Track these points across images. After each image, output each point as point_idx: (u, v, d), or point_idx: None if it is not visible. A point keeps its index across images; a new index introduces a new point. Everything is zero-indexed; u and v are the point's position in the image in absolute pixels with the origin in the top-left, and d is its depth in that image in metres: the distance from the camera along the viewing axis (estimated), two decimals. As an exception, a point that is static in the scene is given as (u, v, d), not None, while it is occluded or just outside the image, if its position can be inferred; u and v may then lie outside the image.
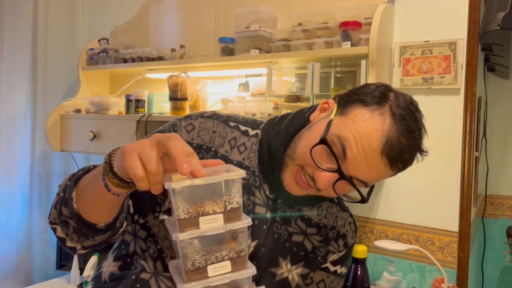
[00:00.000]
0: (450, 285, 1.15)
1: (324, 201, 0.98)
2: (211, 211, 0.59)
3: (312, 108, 0.91)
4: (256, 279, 0.89)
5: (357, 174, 0.79)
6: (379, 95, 0.81)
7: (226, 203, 0.60)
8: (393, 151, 0.77)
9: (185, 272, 0.59)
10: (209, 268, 0.59)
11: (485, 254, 2.09)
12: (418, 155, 0.83)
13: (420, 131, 0.82)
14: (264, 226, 0.89)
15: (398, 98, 0.82)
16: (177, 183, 0.57)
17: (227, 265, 0.60)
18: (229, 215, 0.60)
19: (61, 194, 0.79)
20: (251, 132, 0.93)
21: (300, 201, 0.93)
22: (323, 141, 0.79)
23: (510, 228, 1.90)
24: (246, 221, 0.61)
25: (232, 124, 0.93)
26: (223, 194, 0.60)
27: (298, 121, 0.89)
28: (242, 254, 0.62)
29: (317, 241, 0.97)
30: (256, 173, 0.89)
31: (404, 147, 0.78)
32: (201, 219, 0.58)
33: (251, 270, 0.62)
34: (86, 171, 0.80)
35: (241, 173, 0.60)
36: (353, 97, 0.83)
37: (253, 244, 0.88)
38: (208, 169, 0.61)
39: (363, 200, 0.83)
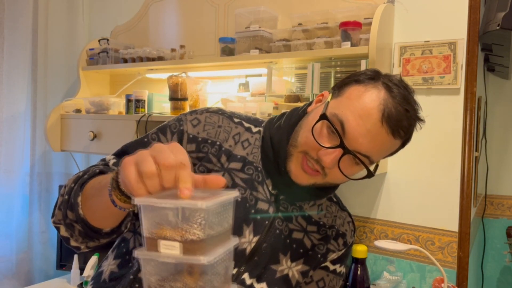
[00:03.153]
0: (450, 285, 1.15)
1: (326, 195, 0.98)
2: (169, 236, 0.55)
3: (309, 102, 0.93)
4: (257, 276, 0.89)
5: (359, 147, 0.80)
6: (371, 74, 0.84)
7: (185, 232, 0.54)
8: (393, 118, 0.79)
9: None
10: None
11: (485, 254, 2.09)
12: (417, 124, 0.86)
13: (414, 100, 0.85)
14: (266, 222, 0.90)
15: (389, 75, 0.85)
16: (140, 199, 0.55)
17: None
18: (188, 247, 0.54)
19: (66, 197, 0.79)
20: (254, 129, 0.94)
21: (302, 197, 0.94)
22: (323, 116, 0.81)
23: (510, 228, 1.90)
24: (198, 258, 0.53)
25: (236, 120, 0.94)
26: (180, 222, 0.54)
27: (297, 114, 0.91)
28: None
29: (317, 239, 0.97)
30: (259, 169, 0.90)
31: (402, 114, 0.80)
32: (160, 242, 0.55)
33: None
34: (91, 175, 0.80)
35: (205, 203, 0.53)
36: (346, 81, 0.86)
37: (255, 239, 0.88)
38: (198, 192, 0.57)
39: (370, 174, 0.84)
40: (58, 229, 0.81)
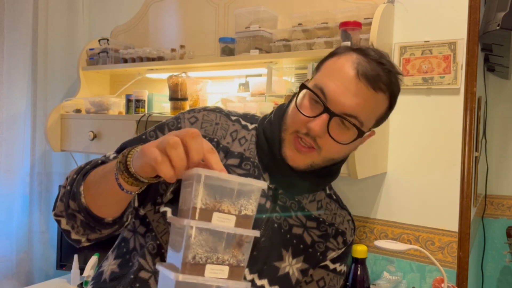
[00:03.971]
0: (450, 285, 1.15)
1: (325, 183, 0.98)
2: (226, 210, 0.59)
3: (293, 94, 0.95)
4: (258, 271, 0.89)
5: (343, 107, 0.81)
6: (344, 47, 0.88)
7: (242, 208, 0.60)
8: (368, 73, 0.81)
9: (183, 263, 0.57)
10: (207, 267, 0.58)
11: (485, 254, 2.09)
12: (397, 78, 0.86)
13: (389, 58, 0.86)
14: (264, 216, 0.90)
15: (361, 46, 0.89)
16: (205, 170, 0.57)
17: (225, 270, 0.59)
18: (241, 221, 0.60)
19: (68, 188, 0.80)
20: (250, 127, 0.96)
21: (301, 189, 0.94)
22: (302, 86, 0.84)
23: (510, 228, 1.90)
24: (254, 232, 0.61)
25: (233, 118, 0.96)
26: (242, 198, 0.60)
27: (284, 105, 0.94)
28: (241, 264, 0.61)
29: (316, 235, 0.97)
30: (256, 164, 0.91)
31: (377, 68, 0.82)
32: (215, 214, 0.58)
33: (244, 284, 0.61)
34: (94, 165, 0.81)
35: (264, 184, 0.61)
36: (321, 60, 0.90)
37: None
38: None
39: (360, 133, 0.83)
40: (59, 222, 0.81)
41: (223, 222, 0.58)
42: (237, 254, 0.60)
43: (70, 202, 0.77)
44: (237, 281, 0.60)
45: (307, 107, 0.83)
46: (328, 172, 0.92)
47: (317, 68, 0.89)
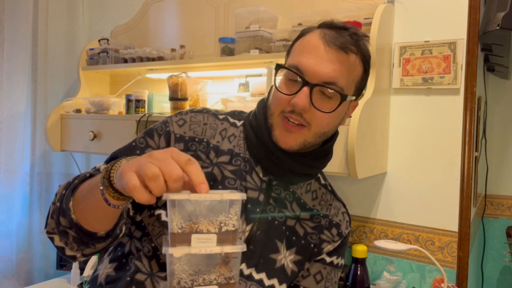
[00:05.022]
0: (450, 285, 1.15)
1: (321, 165, 0.98)
2: (205, 229, 0.57)
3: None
4: (255, 265, 0.89)
5: (321, 77, 0.83)
6: (308, 27, 0.91)
7: (222, 224, 0.57)
8: (335, 38, 0.84)
9: None
10: None
11: (485, 254, 2.09)
12: (364, 39, 0.88)
13: (348, 25, 0.89)
14: (258, 209, 0.89)
15: (325, 21, 0.91)
16: (173, 195, 0.56)
17: None
18: (223, 237, 0.58)
19: (58, 204, 0.78)
20: (239, 124, 0.97)
21: (295, 177, 0.94)
22: (277, 66, 0.86)
23: (510, 228, 1.90)
24: (240, 246, 0.58)
25: (221, 116, 0.97)
26: (220, 214, 0.57)
27: (265, 98, 0.96)
28: (232, 281, 0.60)
29: (310, 227, 0.97)
30: (246, 159, 0.92)
31: (343, 33, 0.85)
32: (194, 236, 0.56)
33: None
34: (82, 179, 0.80)
35: (242, 195, 0.58)
36: (290, 45, 0.92)
37: (248, 228, 0.89)
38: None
39: (343, 97, 0.84)
40: (52, 239, 0.80)
41: (204, 242, 0.57)
42: (225, 271, 0.59)
43: (61, 219, 0.76)
44: None
45: (287, 86, 0.85)
46: (321, 153, 0.93)
47: (288, 53, 0.91)
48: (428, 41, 1.40)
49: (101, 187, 0.66)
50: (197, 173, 0.58)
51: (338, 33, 0.85)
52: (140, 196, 0.58)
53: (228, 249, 0.57)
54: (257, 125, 0.91)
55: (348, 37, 0.85)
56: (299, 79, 0.83)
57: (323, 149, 0.92)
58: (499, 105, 2.07)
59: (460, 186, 1.37)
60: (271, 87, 0.91)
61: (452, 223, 1.38)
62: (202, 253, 0.57)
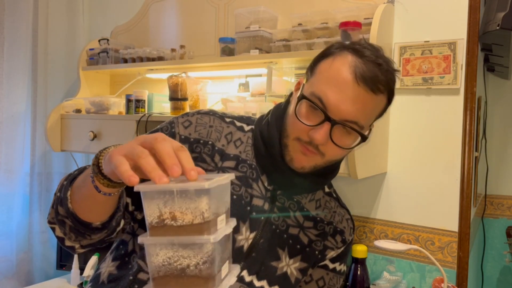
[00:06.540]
0: (450, 285, 1.15)
1: (326, 181, 0.98)
2: (180, 218, 0.55)
3: (290, 93, 0.94)
4: (256, 272, 0.89)
5: (344, 114, 0.80)
6: (337, 45, 0.85)
7: (190, 215, 0.56)
8: (367, 76, 0.79)
9: (152, 279, 0.56)
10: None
11: (485, 254, 2.09)
12: (395, 75, 0.85)
13: (384, 53, 0.84)
14: (262, 218, 0.90)
15: (354, 41, 0.86)
16: (141, 186, 0.54)
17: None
18: (196, 228, 0.56)
19: (58, 194, 0.79)
20: (246, 128, 0.96)
21: (300, 189, 0.94)
22: (300, 97, 0.82)
23: (510, 228, 1.90)
24: (212, 237, 0.55)
25: (227, 119, 0.95)
26: (189, 201, 0.55)
27: (281, 107, 0.93)
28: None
29: (314, 235, 0.97)
30: (253, 166, 0.91)
31: (375, 69, 0.80)
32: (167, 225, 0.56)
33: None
34: (81, 170, 0.81)
35: (203, 184, 0.54)
36: (315, 60, 0.87)
37: (252, 235, 0.89)
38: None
39: (363, 138, 0.83)
40: (53, 229, 0.81)
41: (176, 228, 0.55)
42: (195, 260, 0.57)
43: (59, 208, 0.77)
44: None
45: (307, 115, 0.82)
46: (328, 170, 0.93)
47: (311, 70, 0.87)
48: (428, 41, 1.40)
49: (91, 174, 0.67)
50: (187, 160, 0.57)
51: (369, 67, 0.80)
52: (127, 175, 0.56)
53: (192, 239, 0.55)
54: (268, 136, 0.89)
55: (380, 74, 0.81)
56: (320, 111, 0.80)
57: (330, 168, 0.92)
58: (499, 105, 2.07)
59: (460, 186, 1.37)
60: (290, 94, 0.89)
61: (452, 223, 1.38)
62: (168, 242, 0.55)
